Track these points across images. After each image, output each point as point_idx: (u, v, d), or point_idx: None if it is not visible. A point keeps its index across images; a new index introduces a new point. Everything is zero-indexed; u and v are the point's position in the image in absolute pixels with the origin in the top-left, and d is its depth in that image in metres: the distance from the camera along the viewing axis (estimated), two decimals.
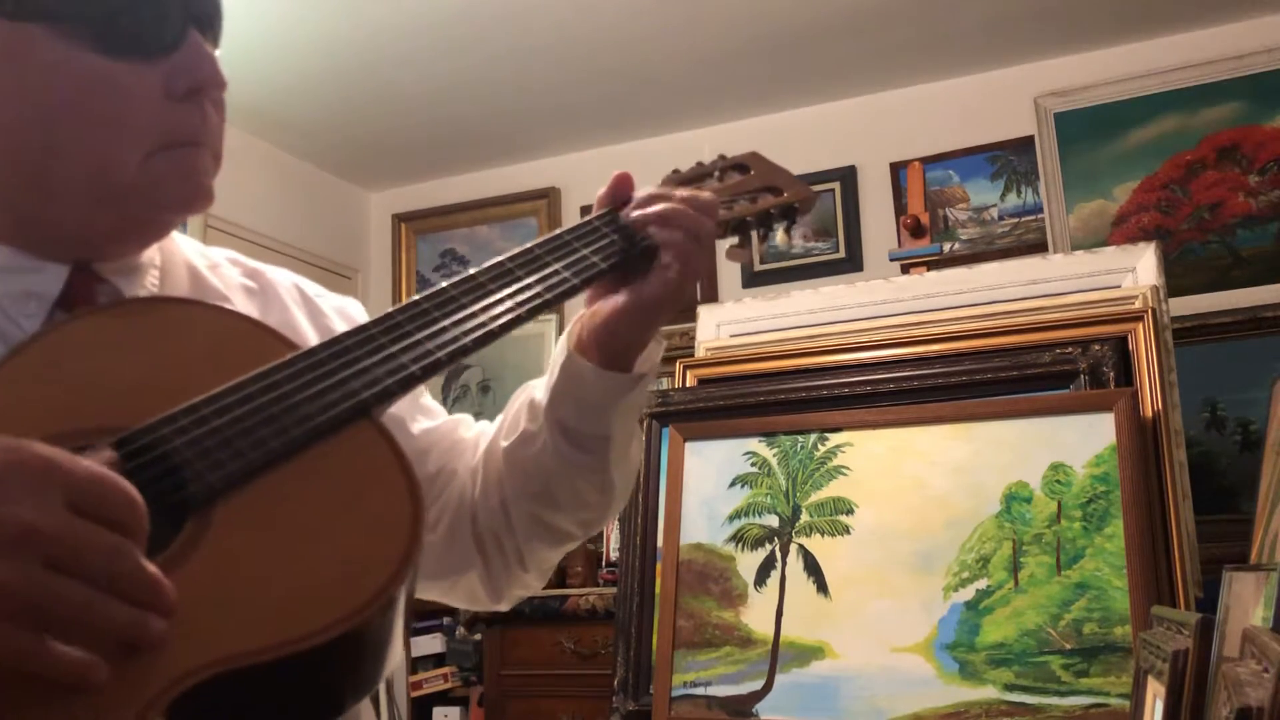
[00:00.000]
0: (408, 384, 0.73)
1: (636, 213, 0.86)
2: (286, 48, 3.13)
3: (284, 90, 3.38)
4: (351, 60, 3.23)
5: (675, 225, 0.85)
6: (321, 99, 3.46)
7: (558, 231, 0.86)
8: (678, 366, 1.82)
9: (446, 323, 0.77)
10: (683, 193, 0.88)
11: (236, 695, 0.58)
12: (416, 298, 0.78)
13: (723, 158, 1.01)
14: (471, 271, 0.81)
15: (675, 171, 0.98)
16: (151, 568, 0.56)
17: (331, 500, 0.66)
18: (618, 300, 0.85)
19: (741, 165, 1.00)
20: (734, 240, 0.96)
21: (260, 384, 0.69)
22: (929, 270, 1.97)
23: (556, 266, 0.83)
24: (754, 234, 0.97)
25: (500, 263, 0.82)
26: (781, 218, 0.97)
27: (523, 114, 3.62)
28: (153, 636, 0.55)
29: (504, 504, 0.93)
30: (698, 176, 0.98)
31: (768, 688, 1.39)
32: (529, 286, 0.81)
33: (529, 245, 0.85)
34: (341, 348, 0.73)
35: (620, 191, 0.90)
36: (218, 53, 0.82)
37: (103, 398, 0.68)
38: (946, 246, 3.15)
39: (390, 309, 0.77)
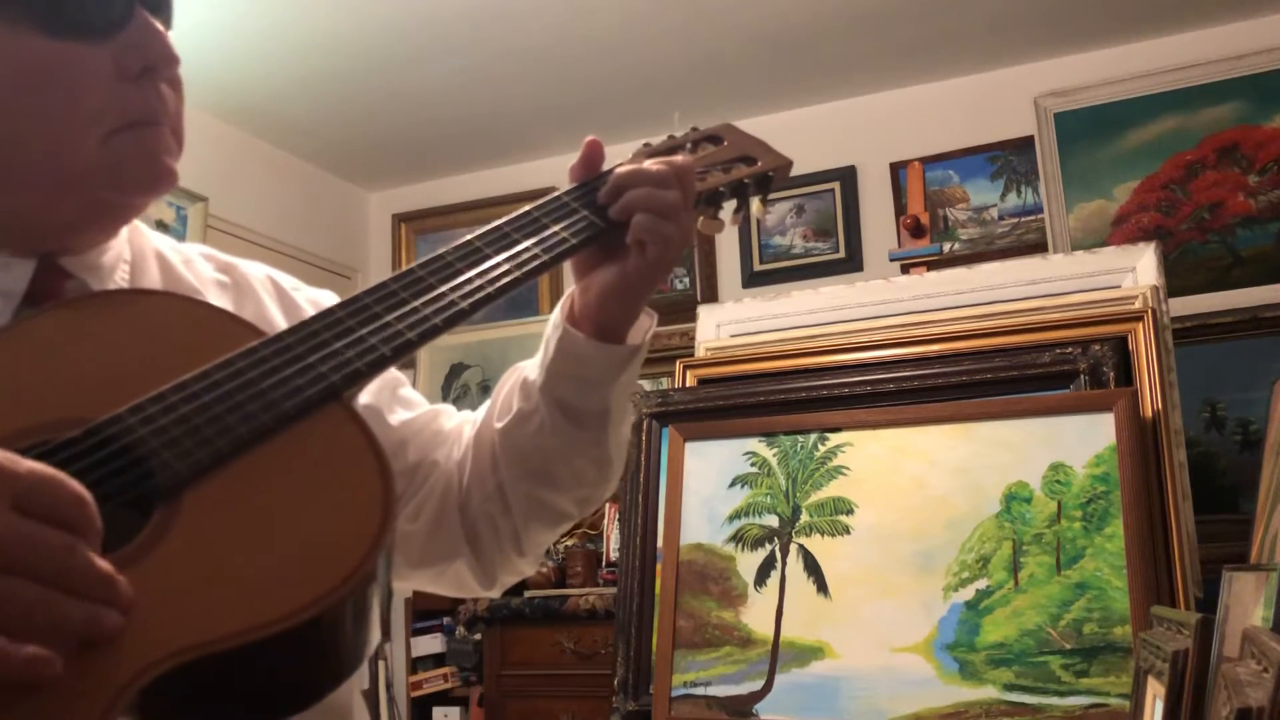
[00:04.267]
0: (377, 365, 0.72)
1: (604, 197, 0.86)
2: (286, 48, 3.13)
3: (284, 90, 3.38)
4: (351, 60, 3.23)
5: (642, 207, 0.84)
6: (321, 99, 3.46)
7: (528, 209, 0.85)
8: (678, 366, 1.82)
9: (416, 303, 0.76)
10: (654, 164, 0.86)
11: (210, 682, 0.58)
12: (385, 280, 0.77)
13: (695, 129, 1.00)
14: (440, 252, 0.80)
15: (646, 144, 0.97)
16: (103, 563, 0.56)
17: (300, 485, 0.65)
18: (605, 276, 0.85)
19: (714, 136, 0.99)
20: (708, 212, 0.95)
21: (227, 370, 0.68)
22: (929, 270, 1.97)
23: (527, 244, 0.82)
24: (728, 204, 0.96)
25: (469, 242, 0.82)
26: (757, 188, 0.96)
27: (523, 114, 3.62)
28: (107, 630, 0.55)
29: (500, 487, 0.92)
30: (669, 149, 0.97)
31: (768, 688, 1.39)
32: (498, 265, 0.80)
33: (498, 223, 0.84)
34: (309, 332, 0.72)
35: (592, 160, 0.89)
36: (170, 33, 0.81)
37: (70, 390, 0.68)
38: (946, 246, 3.15)
39: (357, 292, 0.76)
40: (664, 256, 0.84)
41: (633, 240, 0.84)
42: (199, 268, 0.91)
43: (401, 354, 0.73)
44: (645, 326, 0.89)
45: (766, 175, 0.96)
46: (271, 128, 3.64)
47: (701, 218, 0.95)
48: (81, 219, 0.80)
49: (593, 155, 0.89)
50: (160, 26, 0.80)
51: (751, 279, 3.64)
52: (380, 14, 2.98)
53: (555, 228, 0.84)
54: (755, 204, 0.97)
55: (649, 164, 0.87)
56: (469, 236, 0.82)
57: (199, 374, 0.68)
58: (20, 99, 0.75)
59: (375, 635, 0.66)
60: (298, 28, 3.02)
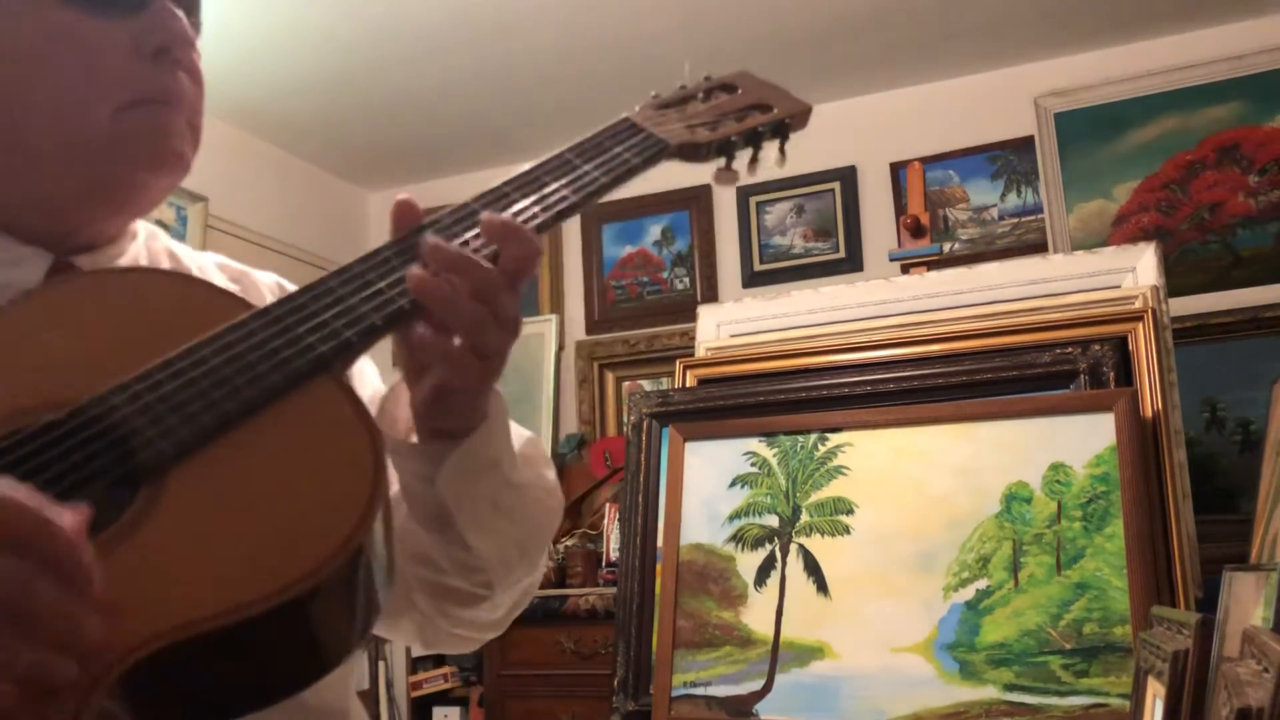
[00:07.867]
0: (368, 334, 0.68)
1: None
2: (286, 48, 3.13)
3: (284, 90, 3.38)
4: (351, 60, 3.23)
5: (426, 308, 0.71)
6: (321, 99, 3.46)
7: (506, 180, 0.80)
8: (678, 366, 1.82)
9: (409, 270, 0.70)
10: (450, 276, 0.70)
11: (197, 664, 0.56)
12: (378, 247, 0.73)
13: (708, 78, 0.94)
14: (435, 217, 0.76)
15: (656, 96, 0.90)
16: (68, 604, 0.50)
17: (288, 459, 0.63)
18: (420, 391, 0.76)
19: (729, 85, 0.94)
20: (721, 162, 0.89)
21: (214, 346, 0.66)
22: (929, 270, 1.97)
23: (520, 206, 0.78)
24: (742, 154, 0.89)
25: (464, 205, 0.77)
26: (772, 135, 0.90)
27: (523, 114, 3.62)
28: (58, 680, 0.50)
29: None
30: (681, 100, 0.91)
31: (768, 688, 1.39)
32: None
33: (489, 189, 0.79)
34: (298, 304, 0.69)
35: (404, 226, 0.75)
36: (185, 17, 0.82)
37: (56, 372, 0.66)
38: (946, 246, 3.15)
39: (349, 260, 0.72)
40: (455, 378, 0.72)
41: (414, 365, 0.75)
42: (211, 276, 0.91)
43: (394, 322, 0.70)
44: (491, 413, 0.77)
45: (783, 122, 0.91)
46: (271, 128, 3.64)
47: (716, 169, 0.89)
48: (88, 194, 0.80)
49: (402, 222, 0.75)
50: (180, 12, 0.81)
51: (751, 279, 3.64)
52: (380, 14, 2.98)
53: (526, 201, 0.79)
54: (773, 155, 0.91)
55: (450, 276, 0.69)
56: (456, 204, 0.78)
57: (185, 350, 0.66)
58: (37, 63, 0.76)
59: (373, 616, 0.64)
60: (298, 28, 3.02)
